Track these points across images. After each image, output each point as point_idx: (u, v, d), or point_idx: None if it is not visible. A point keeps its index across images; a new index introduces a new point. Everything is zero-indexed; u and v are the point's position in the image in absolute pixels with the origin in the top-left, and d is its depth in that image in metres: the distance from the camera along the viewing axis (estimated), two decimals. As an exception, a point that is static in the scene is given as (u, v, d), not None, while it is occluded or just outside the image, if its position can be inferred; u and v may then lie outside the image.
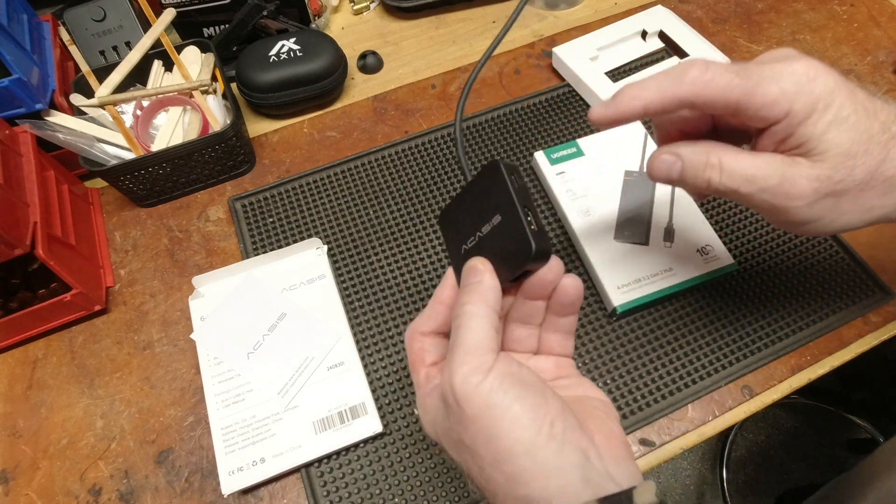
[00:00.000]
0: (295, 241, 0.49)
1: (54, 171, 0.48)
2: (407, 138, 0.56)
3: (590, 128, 0.56)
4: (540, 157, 0.51)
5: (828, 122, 0.26)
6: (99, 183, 0.55)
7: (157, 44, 0.53)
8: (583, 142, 0.52)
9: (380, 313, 0.46)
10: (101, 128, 0.50)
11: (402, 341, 0.44)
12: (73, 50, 0.54)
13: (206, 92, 0.52)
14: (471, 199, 0.29)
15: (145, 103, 0.51)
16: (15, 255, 0.40)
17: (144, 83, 0.54)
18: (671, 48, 0.61)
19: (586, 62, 0.58)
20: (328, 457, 0.40)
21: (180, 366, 0.45)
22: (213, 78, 0.54)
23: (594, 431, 0.24)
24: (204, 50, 0.55)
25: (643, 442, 0.41)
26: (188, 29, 0.59)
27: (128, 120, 0.51)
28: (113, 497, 0.40)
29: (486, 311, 0.25)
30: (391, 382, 0.43)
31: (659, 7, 0.62)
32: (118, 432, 0.42)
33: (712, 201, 0.51)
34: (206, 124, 0.51)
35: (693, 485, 1.12)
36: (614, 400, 0.42)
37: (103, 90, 0.50)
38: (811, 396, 1.11)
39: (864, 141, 0.27)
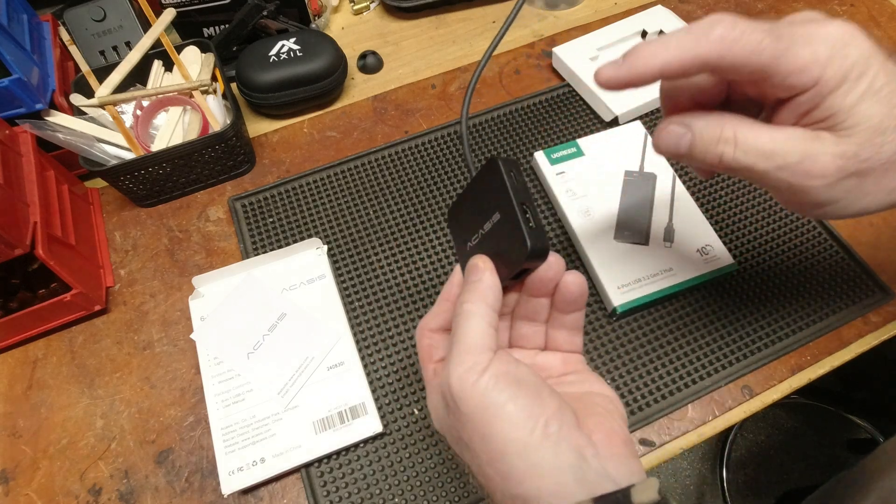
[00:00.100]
0: (295, 241, 0.49)
1: (54, 171, 0.48)
2: (407, 138, 0.56)
3: (590, 128, 0.56)
4: (540, 157, 0.51)
5: (860, 93, 0.23)
6: (99, 183, 0.55)
7: (157, 44, 0.53)
8: (583, 142, 0.52)
9: (380, 313, 0.46)
10: (101, 128, 0.50)
11: (403, 341, 0.45)
12: (73, 50, 0.54)
13: (206, 92, 0.52)
14: (473, 197, 0.29)
15: (145, 103, 0.51)
16: (15, 255, 0.40)
17: (144, 83, 0.54)
18: (671, 48, 0.60)
19: (586, 62, 0.58)
20: (328, 457, 0.40)
21: (180, 366, 0.45)
22: (213, 78, 0.54)
23: (594, 429, 0.24)
24: (204, 50, 0.55)
25: (643, 442, 0.41)
26: (188, 29, 0.59)
27: (128, 120, 0.51)
28: (113, 497, 0.40)
29: (484, 310, 0.25)
30: (391, 382, 0.43)
31: (659, 7, 0.62)
32: (118, 432, 0.42)
33: (712, 201, 0.51)
34: (206, 124, 0.51)
35: (693, 485, 1.12)
36: (614, 400, 0.42)
37: (103, 90, 0.50)
38: (811, 396, 1.11)
39: None
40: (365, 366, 0.43)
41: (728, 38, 0.24)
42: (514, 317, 0.29)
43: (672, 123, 0.28)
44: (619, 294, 0.44)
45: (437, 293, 0.47)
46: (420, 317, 0.46)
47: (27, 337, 0.46)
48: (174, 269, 0.49)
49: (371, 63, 0.62)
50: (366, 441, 0.41)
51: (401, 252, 0.49)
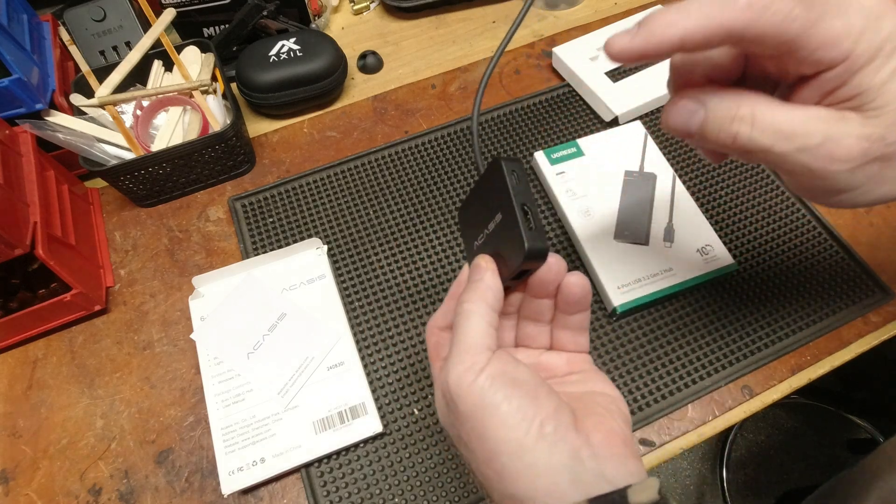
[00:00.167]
0: (295, 241, 0.49)
1: (54, 171, 0.48)
2: (407, 138, 0.56)
3: (590, 128, 0.56)
4: (540, 157, 0.51)
5: (891, 69, 0.21)
6: (99, 183, 0.55)
7: (157, 44, 0.53)
8: (583, 142, 0.52)
9: (380, 313, 0.46)
10: (101, 128, 0.50)
11: (402, 341, 0.45)
12: (73, 50, 0.54)
13: (206, 92, 0.52)
14: (479, 197, 0.29)
15: (145, 103, 0.51)
16: (15, 255, 0.40)
17: (144, 83, 0.54)
18: (671, 48, 0.60)
19: (586, 62, 0.58)
20: (328, 457, 0.40)
21: (180, 366, 0.45)
22: (213, 78, 0.54)
23: (593, 429, 0.24)
24: (204, 50, 0.55)
25: (643, 442, 0.40)
26: (188, 29, 0.59)
27: (128, 120, 0.51)
28: (113, 497, 0.40)
29: (483, 310, 0.25)
30: (391, 382, 0.43)
31: (659, 7, 0.62)
32: (118, 432, 0.42)
33: (712, 201, 0.51)
34: (206, 124, 0.51)
35: (693, 485, 1.12)
36: (614, 400, 0.42)
37: (103, 90, 0.50)
38: (811, 396, 1.11)
39: None
40: (365, 366, 0.43)
41: (756, 5, 0.21)
42: (520, 316, 0.29)
43: (684, 98, 0.25)
44: (619, 294, 0.44)
45: (438, 293, 0.47)
46: (420, 316, 0.46)
47: (27, 337, 0.46)
48: (174, 269, 0.49)
49: (371, 63, 0.62)
50: (366, 441, 0.41)
51: (401, 252, 0.49)
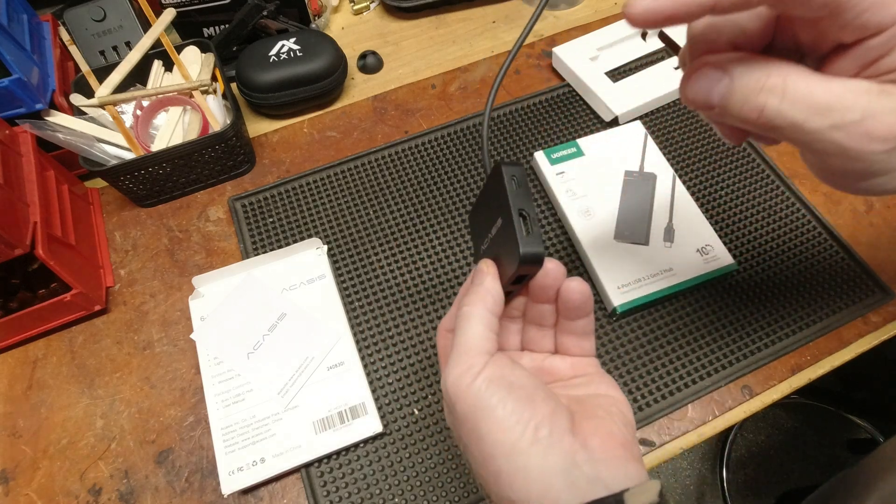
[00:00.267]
0: (295, 241, 0.49)
1: (54, 171, 0.48)
2: (407, 138, 0.56)
3: (590, 128, 0.56)
4: (540, 157, 0.51)
5: None
6: (99, 183, 0.55)
7: (157, 44, 0.53)
8: (583, 142, 0.52)
9: (380, 313, 0.46)
10: (101, 128, 0.50)
11: (403, 341, 0.45)
12: (73, 50, 0.54)
13: (206, 92, 0.52)
14: (485, 201, 0.29)
15: (145, 103, 0.51)
16: (15, 255, 0.40)
17: (144, 83, 0.54)
18: (671, 48, 0.61)
19: (586, 62, 0.58)
20: (328, 457, 0.40)
21: (180, 366, 0.45)
22: (213, 78, 0.54)
23: (592, 432, 0.24)
24: (204, 50, 0.55)
25: (643, 442, 0.40)
26: (188, 29, 0.59)
27: (128, 120, 0.51)
28: (113, 497, 0.40)
29: (482, 314, 0.25)
30: (391, 382, 0.43)
31: (659, 7, 0.62)
32: (118, 432, 0.42)
33: (712, 201, 0.51)
34: (206, 124, 0.51)
35: (693, 485, 1.12)
36: (614, 400, 0.42)
37: (103, 90, 0.50)
38: (811, 396, 1.11)
39: None
40: (365, 366, 0.43)
41: None
42: (525, 321, 0.29)
43: (707, 65, 0.22)
44: (619, 294, 0.44)
45: (438, 293, 0.47)
46: (420, 316, 0.46)
47: (27, 337, 0.46)
48: (174, 269, 0.49)
49: (371, 63, 0.62)
50: (366, 441, 0.41)
51: (401, 252, 0.49)
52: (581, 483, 0.22)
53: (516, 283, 0.27)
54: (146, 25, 0.55)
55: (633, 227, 0.47)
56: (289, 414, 0.40)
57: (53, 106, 0.49)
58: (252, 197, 0.53)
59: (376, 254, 0.49)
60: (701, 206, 0.49)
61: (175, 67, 0.54)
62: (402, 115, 0.58)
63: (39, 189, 0.44)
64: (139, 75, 0.53)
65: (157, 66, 0.54)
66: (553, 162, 0.51)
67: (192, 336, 0.44)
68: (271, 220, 0.51)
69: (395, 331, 0.45)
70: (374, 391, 0.42)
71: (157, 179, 0.50)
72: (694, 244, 0.46)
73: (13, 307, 0.44)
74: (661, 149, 0.52)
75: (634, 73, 0.58)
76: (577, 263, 0.48)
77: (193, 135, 0.51)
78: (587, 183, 0.49)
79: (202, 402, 0.42)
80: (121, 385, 0.44)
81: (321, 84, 0.56)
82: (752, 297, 0.46)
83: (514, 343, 0.30)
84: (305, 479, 0.39)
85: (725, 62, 0.22)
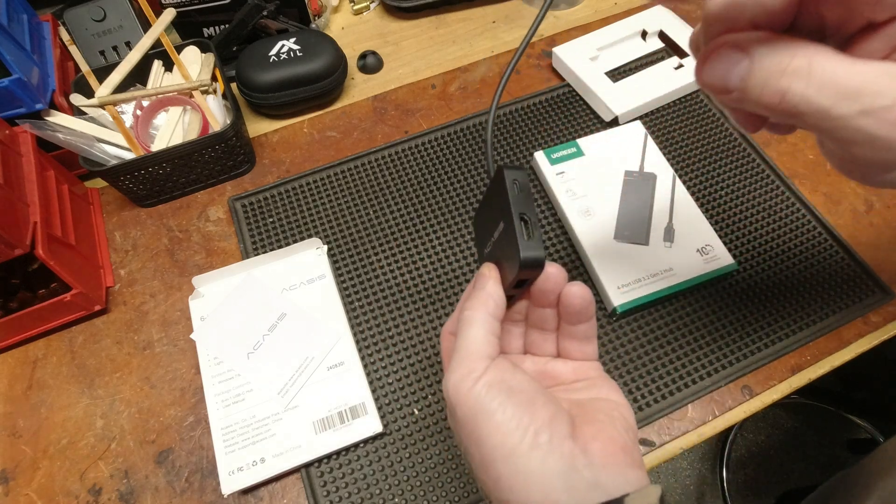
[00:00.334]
0: (295, 241, 0.49)
1: (54, 171, 0.48)
2: (407, 138, 0.56)
3: (590, 128, 0.56)
4: (540, 157, 0.51)
5: None
6: (99, 183, 0.55)
7: (157, 44, 0.53)
8: (583, 142, 0.52)
9: (380, 313, 0.46)
10: (101, 128, 0.50)
11: (403, 341, 0.45)
12: (73, 50, 0.54)
13: (206, 92, 0.52)
14: (488, 205, 0.29)
15: (145, 103, 0.51)
16: (15, 255, 0.40)
17: (144, 83, 0.54)
18: (671, 48, 0.61)
19: (586, 62, 0.58)
20: (328, 457, 0.40)
21: (180, 366, 0.45)
22: (213, 78, 0.54)
23: (593, 437, 0.24)
24: (204, 50, 0.55)
25: (643, 442, 0.40)
26: (188, 29, 0.59)
27: (128, 120, 0.51)
28: (113, 497, 0.40)
29: (483, 318, 0.25)
30: (391, 382, 0.43)
31: (659, 7, 0.62)
32: (118, 432, 0.42)
33: (712, 201, 0.51)
34: (206, 124, 0.51)
35: (693, 485, 1.12)
36: (614, 400, 0.42)
37: (103, 90, 0.50)
38: (811, 396, 1.11)
39: None
40: (365, 366, 0.43)
41: None
42: (527, 324, 0.29)
43: (725, 46, 0.21)
44: (619, 294, 0.44)
45: (438, 293, 0.47)
46: (420, 316, 0.46)
47: (27, 337, 0.46)
48: (174, 269, 0.49)
49: (371, 63, 0.62)
50: (366, 441, 0.41)
51: (401, 252, 0.49)
52: (580, 488, 0.22)
53: (518, 287, 0.27)
54: (146, 25, 0.55)
55: (633, 227, 0.47)
56: (289, 414, 0.40)
57: (53, 106, 0.49)
58: (252, 197, 0.53)
59: (376, 254, 0.49)
60: (701, 206, 0.49)
61: (175, 67, 0.54)
62: (402, 115, 0.58)
63: (39, 189, 0.44)
64: (139, 75, 0.53)
65: (157, 66, 0.54)
66: (553, 162, 0.51)
67: (192, 336, 0.44)
68: (271, 220, 0.51)
69: (395, 331, 0.45)
70: (374, 391, 0.42)
71: (157, 179, 0.50)
72: (694, 244, 0.46)
73: (13, 307, 0.44)
74: (661, 149, 0.52)
75: (634, 73, 0.58)
76: (577, 263, 0.48)
77: (193, 135, 0.51)
78: (587, 183, 0.49)
79: (202, 402, 0.42)
80: (121, 385, 0.44)
81: (321, 84, 0.56)
82: (752, 297, 0.46)
83: (516, 346, 0.30)
84: (305, 479, 0.39)
85: (746, 42, 0.20)
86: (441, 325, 0.45)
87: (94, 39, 0.55)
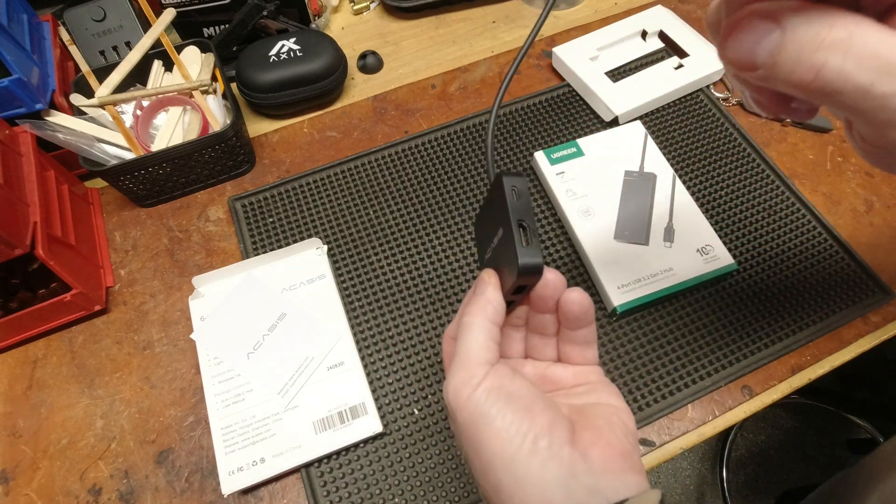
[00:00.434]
0: (295, 241, 0.49)
1: (54, 171, 0.48)
2: (407, 138, 0.56)
3: (590, 128, 0.56)
4: (540, 157, 0.51)
5: None
6: (99, 183, 0.55)
7: (157, 44, 0.53)
8: (583, 142, 0.52)
9: (380, 313, 0.46)
10: (101, 128, 0.50)
11: (402, 341, 0.45)
12: (73, 50, 0.54)
13: (206, 92, 0.52)
14: (488, 211, 0.30)
15: (145, 103, 0.51)
16: (15, 255, 0.40)
17: (144, 83, 0.54)
18: (671, 48, 0.61)
19: (586, 62, 0.58)
20: (328, 457, 0.40)
21: (180, 366, 0.45)
22: (213, 78, 0.54)
23: (591, 443, 0.24)
24: (204, 50, 0.55)
25: (643, 442, 0.40)
26: (188, 29, 0.59)
27: (128, 120, 0.51)
28: (113, 497, 0.40)
29: (483, 323, 0.26)
30: (391, 382, 0.43)
31: (659, 7, 0.62)
32: (118, 432, 0.42)
33: (712, 201, 0.51)
34: (206, 124, 0.51)
35: (693, 485, 1.12)
36: (614, 400, 0.42)
37: (103, 90, 0.50)
38: (811, 396, 1.11)
39: None
40: (365, 366, 0.43)
41: None
42: (528, 329, 0.29)
43: (754, 15, 0.18)
44: (619, 294, 0.44)
45: (438, 293, 0.47)
46: (420, 316, 0.46)
47: (27, 337, 0.46)
48: (174, 269, 0.49)
49: (371, 63, 0.62)
50: (366, 441, 0.41)
51: (401, 252, 0.49)
52: (580, 494, 0.22)
53: (517, 293, 0.27)
54: (146, 25, 0.55)
55: (633, 227, 0.47)
56: (289, 414, 0.40)
57: (53, 106, 0.49)
58: (252, 197, 0.53)
59: (376, 254, 0.49)
60: (701, 206, 0.49)
61: (175, 67, 0.54)
62: (402, 115, 0.58)
63: (39, 189, 0.44)
64: (139, 75, 0.53)
65: (157, 66, 0.54)
66: (553, 162, 0.51)
67: (192, 336, 0.44)
68: (271, 220, 0.51)
69: (395, 331, 0.45)
70: (374, 391, 0.42)
71: (157, 179, 0.50)
72: (694, 244, 0.46)
73: (13, 307, 0.44)
74: (661, 149, 0.52)
75: (634, 73, 0.58)
76: (576, 263, 0.48)
77: (193, 135, 0.51)
78: (587, 183, 0.49)
79: (202, 402, 0.42)
80: (121, 385, 0.44)
81: (321, 84, 0.56)
82: (752, 297, 0.46)
83: (517, 351, 0.30)
84: (305, 479, 0.39)
85: (777, 11, 0.18)
86: (441, 325, 0.45)
87: (94, 39, 0.55)
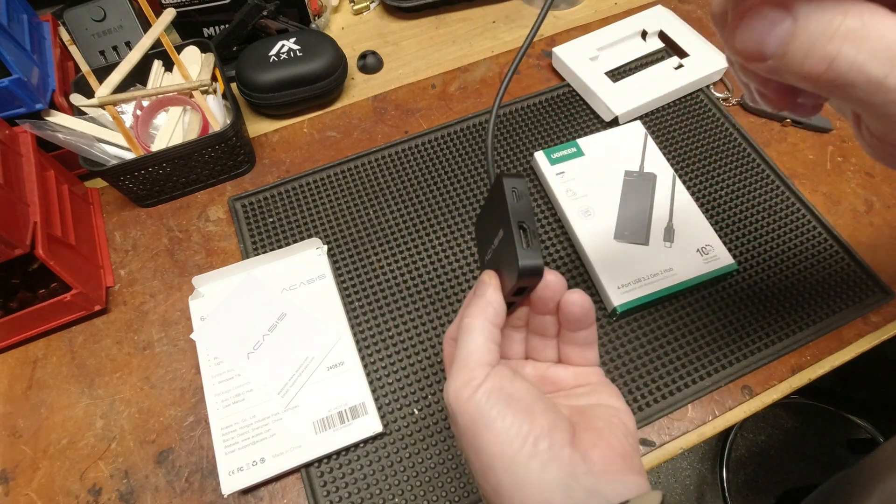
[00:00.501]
0: (295, 241, 0.49)
1: (54, 171, 0.48)
2: (407, 138, 0.56)
3: (590, 128, 0.56)
4: (540, 157, 0.51)
5: None
6: (99, 183, 0.55)
7: (157, 44, 0.53)
8: (583, 142, 0.52)
9: (380, 313, 0.46)
10: (101, 128, 0.50)
11: (402, 341, 0.45)
12: (73, 50, 0.54)
13: (206, 92, 0.52)
14: (488, 212, 0.30)
15: (145, 103, 0.51)
16: (15, 255, 0.40)
17: (144, 83, 0.54)
18: (671, 48, 0.61)
19: (586, 62, 0.58)
20: (328, 457, 0.40)
21: (180, 366, 0.45)
22: (213, 78, 0.54)
23: (591, 445, 0.24)
24: (204, 50, 0.55)
25: (643, 442, 0.40)
26: (188, 29, 0.59)
27: (128, 120, 0.51)
28: (113, 497, 0.40)
29: (483, 325, 0.26)
30: (391, 382, 0.43)
31: (659, 7, 0.62)
32: (118, 432, 0.42)
33: (712, 201, 0.51)
34: (206, 124, 0.51)
35: (693, 485, 1.12)
36: (614, 400, 0.42)
37: (103, 90, 0.50)
38: (811, 396, 1.11)
39: None
40: (365, 366, 0.43)
41: None
42: (528, 330, 0.29)
43: (765, 4, 0.17)
44: (619, 294, 0.44)
45: (438, 293, 0.47)
46: (420, 316, 0.46)
47: (27, 337, 0.46)
48: (174, 269, 0.49)
49: (371, 63, 0.62)
50: (366, 441, 0.41)
51: (401, 252, 0.49)
52: (580, 496, 0.22)
53: (518, 295, 0.27)
54: (146, 25, 0.55)
55: (633, 227, 0.47)
56: (289, 414, 0.40)
57: (53, 106, 0.49)
58: (252, 197, 0.53)
59: (376, 254, 0.49)
60: (701, 206, 0.49)
61: (175, 67, 0.54)
62: (402, 115, 0.58)
63: (39, 189, 0.44)
64: (139, 75, 0.53)
65: (157, 66, 0.54)
66: (553, 162, 0.51)
67: (192, 336, 0.44)
68: (271, 220, 0.51)
69: (395, 331, 0.45)
70: (374, 391, 0.42)
71: (157, 179, 0.50)
72: (694, 244, 0.46)
73: (13, 307, 0.44)
74: (661, 149, 0.52)
75: (634, 73, 0.58)
76: (577, 263, 0.48)
77: (193, 135, 0.51)
78: (587, 183, 0.49)
79: (202, 402, 0.42)
80: (121, 385, 0.44)
81: (321, 84, 0.56)
82: (752, 297, 0.46)
83: (517, 352, 0.30)
84: (305, 479, 0.39)
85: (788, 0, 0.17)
86: (441, 325, 0.45)
87: (94, 39, 0.55)
